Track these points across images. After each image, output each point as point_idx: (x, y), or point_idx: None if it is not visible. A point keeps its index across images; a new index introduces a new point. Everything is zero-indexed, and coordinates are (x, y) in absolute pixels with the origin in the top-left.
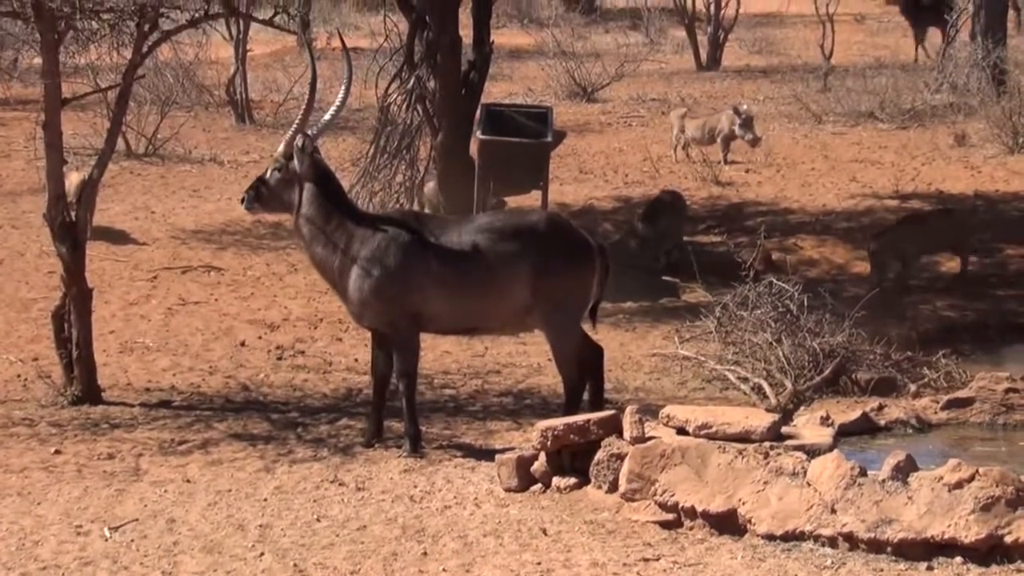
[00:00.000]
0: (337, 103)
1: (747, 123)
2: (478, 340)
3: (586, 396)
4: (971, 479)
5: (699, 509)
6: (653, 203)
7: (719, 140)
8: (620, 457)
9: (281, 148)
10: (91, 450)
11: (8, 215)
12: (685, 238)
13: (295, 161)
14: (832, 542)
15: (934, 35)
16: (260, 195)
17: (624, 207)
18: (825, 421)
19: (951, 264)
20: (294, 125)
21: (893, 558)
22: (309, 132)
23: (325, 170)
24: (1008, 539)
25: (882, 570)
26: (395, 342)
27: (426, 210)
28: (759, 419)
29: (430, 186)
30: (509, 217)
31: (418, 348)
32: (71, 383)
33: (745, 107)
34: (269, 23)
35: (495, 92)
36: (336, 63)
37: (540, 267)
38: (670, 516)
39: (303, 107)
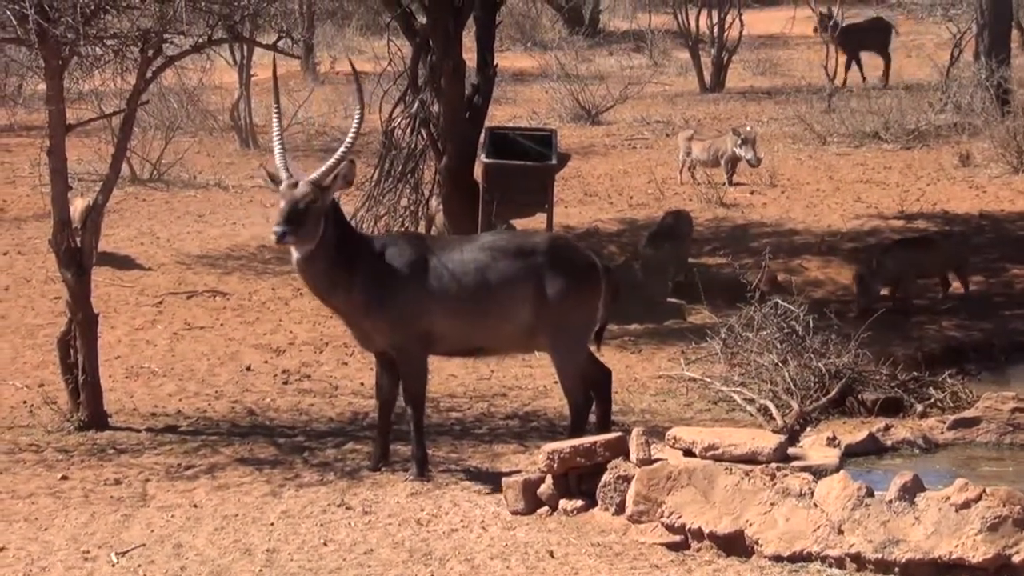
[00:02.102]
0: (351, 135)
1: (748, 144)
2: (484, 363)
3: (593, 418)
4: (978, 499)
5: (706, 531)
6: (658, 227)
7: (723, 162)
8: (627, 479)
9: (316, 176)
10: (98, 475)
11: (13, 241)
12: (690, 260)
13: (327, 190)
14: (839, 563)
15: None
16: (299, 225)
17: (629, 229)
18: (831, 442)
19: (955, 284)
20: (338, 152)
21: None
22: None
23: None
24: (1016, 559)
25: None
26: (403, 365)
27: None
28: (765, 440)
29: (441, 214)
30: (513, 237)
31: (426, 371)
32: (77, 409)
33: (748, 128)
34: (273, 48)
35: (499, 115)
36: (339, 87)
37: (543, 288)
38: (677, 538)
39: (351, 134)
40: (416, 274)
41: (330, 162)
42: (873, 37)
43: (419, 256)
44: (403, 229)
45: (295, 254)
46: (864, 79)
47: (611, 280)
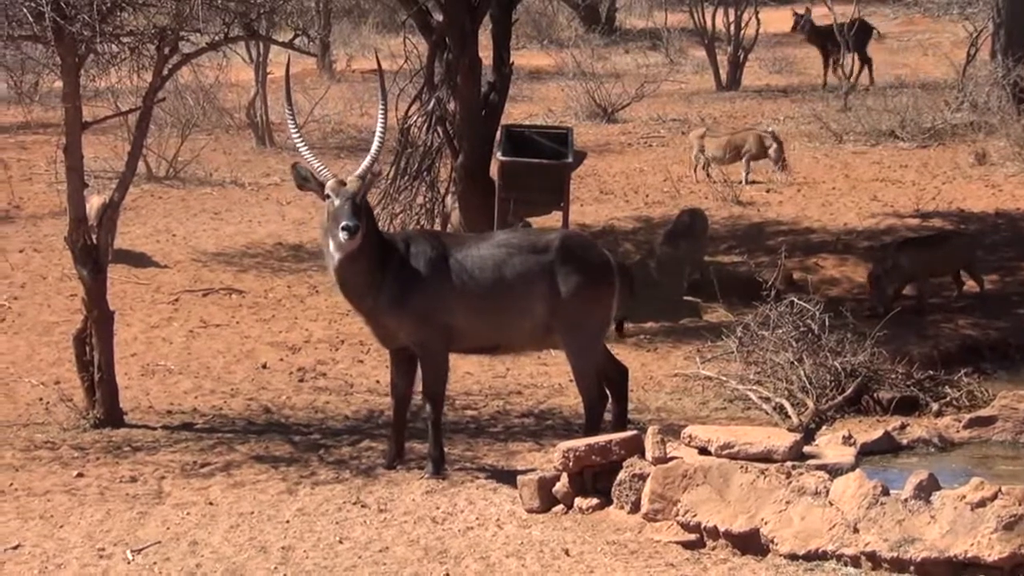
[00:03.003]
0: (379, 132)
1: (780, 148)
2: (500, 361)
3: (608, 416)
4: (994, 497)
5: (721, 529)
6: (674, 225)
7: (744, 159)
8: (642, 477)
9: (361, 172)
10: (113, 473)
11: (30, 238)
12: (706, 258)
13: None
14: (855, 561)
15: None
16: (360, 220)
17: (644, 227)
18: (847, 440)
19: (970, 283)
20: (373, 149)
21: None
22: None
23: None
24: None
25: None
26: (425, 361)
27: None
28: (781, 439)
29: (456, 212)
30: (528, 234)
31: (447, 368)
32: (93, 406)
33: (772, 129)
34: (289, 46)
35: (515, 113)
36: (355, 85)
37: (557, 285)
38: (692, 536)
39: (379, 131)
40: (438, 271)
41: (368, 159)
42: (853, 38)
43: (440, 253)
44: (419, 227)
45: (336, 254)
46: (839, 79)
47: (625, 277)
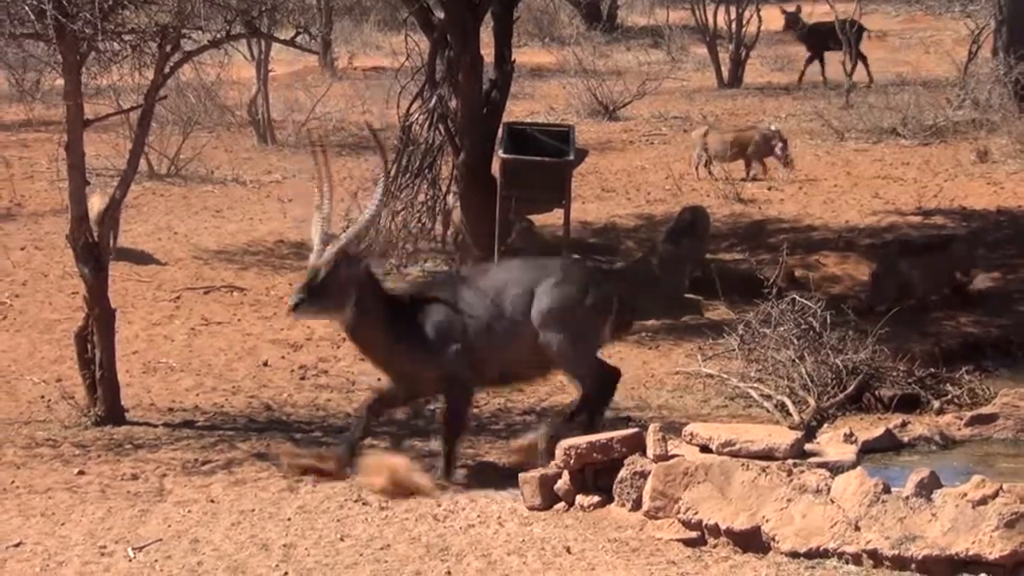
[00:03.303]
0: (376, 203)
1: (785, 145)
2: None
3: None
4: (995, 495)
5: (723, 527)
6: (676, 222)
7: (752, 156)
8: (644, 475)
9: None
10: (115, 470)
11: (31, 236)
12: (708, 256)
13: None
14: (856, 559)
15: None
16: (318, 296)
17: (646, 225)
18: (848, 438)
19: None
20: (365, 216)
21: (917, 575)
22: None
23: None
24: None
25: None
26: (451, 394)
27: (451, 232)
28: (782, 436)
29: (458, 210)
30: (527, 263)
31: (472, 400)
32: (94, 404)
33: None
34: (291, 43)
35: (517, 111)
36: (357, 83)
37: (546, 321)
38: (694, 534)
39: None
40: (449, 322)
41: (357, 226)
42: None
43: (448, 304)
44: (420, 225)
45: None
46: (825, 79)
47: (622, 308)
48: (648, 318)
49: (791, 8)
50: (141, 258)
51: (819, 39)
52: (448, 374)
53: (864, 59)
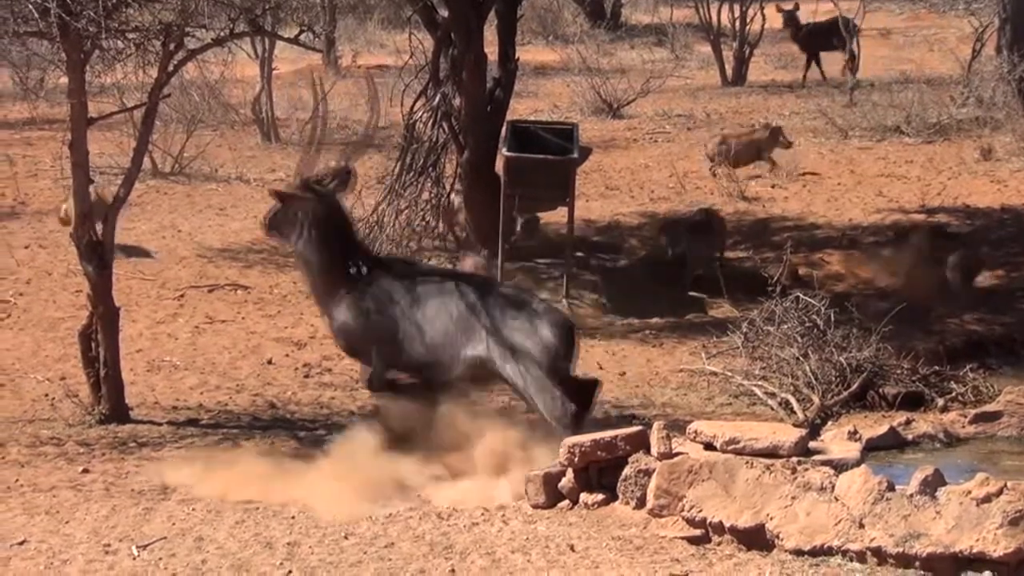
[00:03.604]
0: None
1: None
2: None
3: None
4: (999, 493)
5: (727, 524)
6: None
7: (766, 153)
8: (648, 473)
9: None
10: (119, 468)
11: (35, 234)
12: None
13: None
14: (860, 557)
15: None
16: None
17: (650, 223)
18: (853, 436)
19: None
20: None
21: (921, 573)
22: None
23: None
24: None
25: None
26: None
27: (455, 230)
28: (786, 434)
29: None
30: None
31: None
32: (99, 402)
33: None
34: (295, 41)
35: (521, 109)
36: (361, 81)
37: (492, 343)
38: (698, 532)
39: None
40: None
41: (331, 167)
42: (836, 37)
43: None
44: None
45: None
46: (824, 76)
47: (567, 335)
48: (652, 316)
49: (788, 6)
50: (145, 256)
51: (812, 40)
52: (336, 340)
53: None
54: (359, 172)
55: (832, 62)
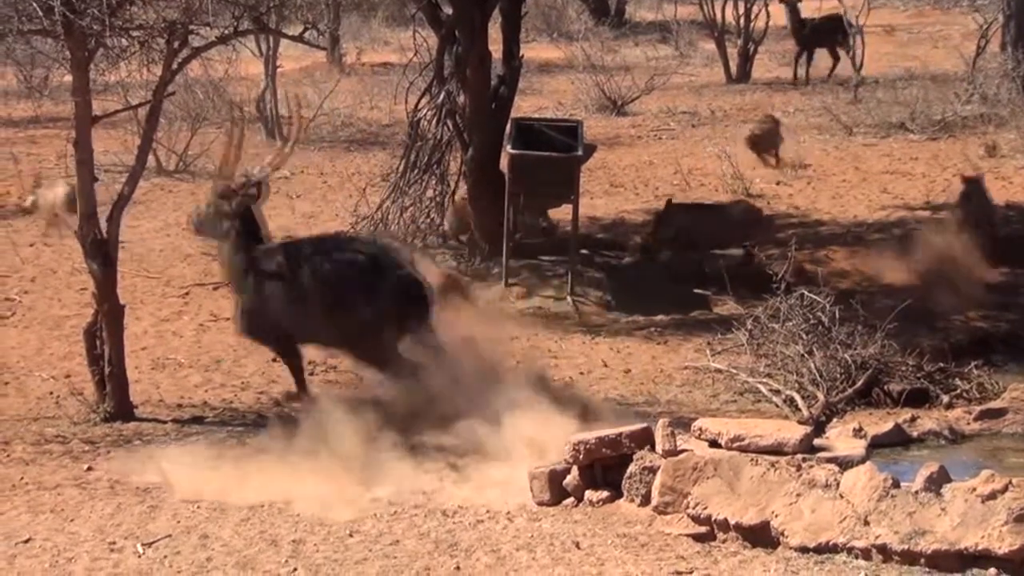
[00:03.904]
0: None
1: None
2: (509, 354)
3: None
4: (1004, 490)
5: (732, 522)
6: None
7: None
8: (653, 470)
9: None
10: (124, 466)
11: (40, 232)
12: (716, 251)
13: None
14: (865, 554)
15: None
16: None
17: (655, 220)
18: (858, 433)
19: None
20: None
21: (927, 570)
22: None
23: None
24: None
25: None
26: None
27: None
28: (791, 431)
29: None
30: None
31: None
32: (103, 400)
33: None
34: (299, 39)
35: (525, 106)
36: (365, 78)
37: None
38: (703, 529)
39: None
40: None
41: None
42: (830, 34)
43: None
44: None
45: None
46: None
47: (411, 292)
48: (657, 313)
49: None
50: (149, 254)
51: (814, 36)
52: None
53: (839, 58)
54: (364, 170)
55: (825, 59)
